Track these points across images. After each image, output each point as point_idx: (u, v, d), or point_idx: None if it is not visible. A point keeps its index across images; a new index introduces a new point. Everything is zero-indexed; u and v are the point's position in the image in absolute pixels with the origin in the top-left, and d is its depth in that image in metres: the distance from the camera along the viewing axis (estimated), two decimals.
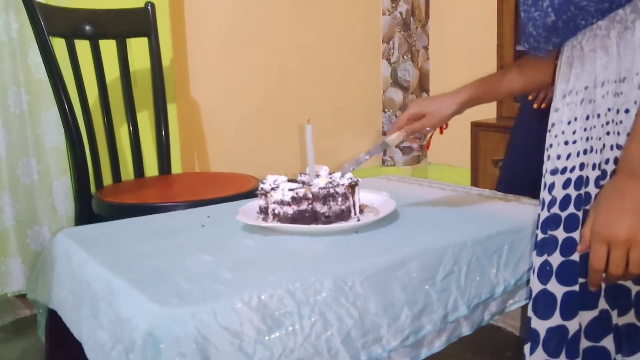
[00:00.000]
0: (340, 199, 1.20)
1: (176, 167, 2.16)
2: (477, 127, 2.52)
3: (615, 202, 0.76)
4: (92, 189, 1.78)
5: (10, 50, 1.95)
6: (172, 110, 2.13)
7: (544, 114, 1.04)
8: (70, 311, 1.05)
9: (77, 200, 1.69)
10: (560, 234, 0.91)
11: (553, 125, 0.95)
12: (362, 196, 1.27)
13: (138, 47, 1.97)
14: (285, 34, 2.64)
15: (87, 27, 1.80)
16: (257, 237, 1.14)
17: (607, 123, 0.85)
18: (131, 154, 1.94)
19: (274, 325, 0.86)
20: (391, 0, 2.98)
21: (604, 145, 0.85)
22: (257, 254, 1.06)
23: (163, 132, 1.97)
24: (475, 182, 2.52)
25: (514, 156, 1.89)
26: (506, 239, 1.14)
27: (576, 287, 0.88)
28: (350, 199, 1.22)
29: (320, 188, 1.19)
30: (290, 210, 1.18)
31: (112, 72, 1.91)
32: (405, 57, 3.01)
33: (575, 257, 0.88)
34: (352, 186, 1.22)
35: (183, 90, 2.34)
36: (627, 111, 0.82)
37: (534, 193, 1.05)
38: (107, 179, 1.89)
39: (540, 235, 0.95)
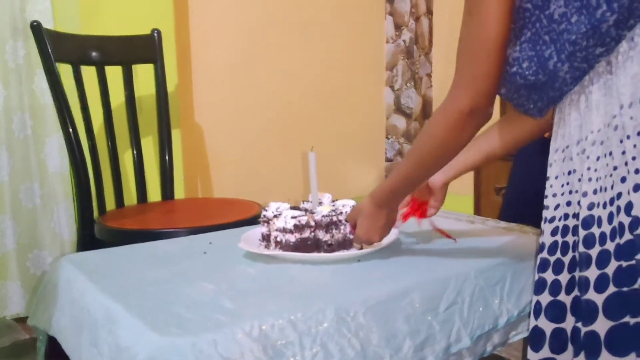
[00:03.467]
0: (342, 227, 1.20)
1: (179, 193, 2.17)
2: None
3: (372, 222, 1.13)
4: (95, 213, 1.79)
5: (17, 76, 1.97)
6: (176, 136, 2.14)
7: (546, 143, 1.06)
8: (70, 338, 1.04)
9: (80, 224, 1.69)
10: (548, 275, 0.97)
11: (548, 178, 1.00)
12: None
13: (144, 73, 1.99)
14: (290, 61, 2.66)
15: (94, 54, 1.82)
16: (259, 265, 1.13)
17: (580, 178, 0.92)
18: (134, 179, 1.95)
19: (275, 355, 0.85)
20: (395, 28, 3.01)
21: (582, 195, 0.92)
22: (258, 283, 1.05)
23: (167, 158, 1.98)
24: (478, 210, 2.52)
25: (516, 185, 1.88)
26: (509, 269, 1.13)
27: (564, 325, 0.94)
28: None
29: (323, 216, 1.19)
30: (292, 238, 1.17)
31: (117, 97, 1.93)
32: (408, 84, 3.03)
33: (562, 297, 0.95)
34: None
35: (187, 115, 2.36)
36: (588, 169, 0.91)
37: (537, 222, 1.07)
38: (110, 203, 1.89)
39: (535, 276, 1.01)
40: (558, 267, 0.96)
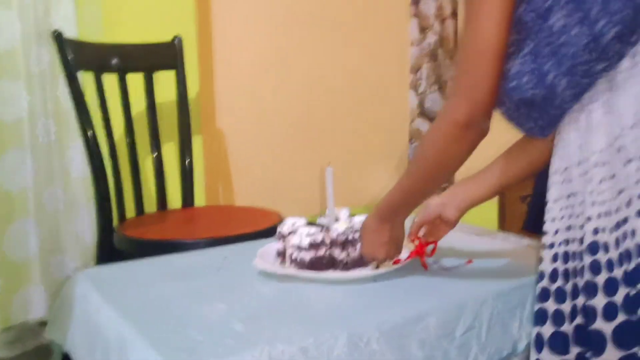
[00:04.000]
0: (358, 245, 1.18)
1: (200, 199, 2.17)
2: None
3: (375, 237, 1.12)
4: (115, 221, 1.79)
5: (41, 82, 1.98)
6: (197, 142, 2.14)
7: None
8: (83, 356, 1.04)
9: (99, 233, 1.70)
10: (550, 305, 0.93)
11: (546, 202, 0.96)
12: None
13: (165, 79, 1.99)
14: (313, 64, 2.65)
15: (115, 61, 1.82)
16: (273, 284, 1.12)
17: (582, 202, 0.88)
18: (155, 185, 1.95)
19: None
20: (420, 30, 2.97)
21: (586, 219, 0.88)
22: (271, 304, 1.04)
23: (187, 164, 1.98)
24: (502, 218, 2.48)
25: (541, 193, 1.85)
26: (529, 291, 1.10)
27: (568, 356, 0.90)
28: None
29: (339, 234, 1.18)
30: (307, 256, 1.16)
31: (139, 104, 1.93)
32: (433, 87, 2.99)
33: (565, 327, 0.91)
34: None
35: (209, 121, 2.35)
36: (591, 192, 0.87)
37: None
38: (131, 210, 1.90)
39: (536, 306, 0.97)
40: (560, 296, 0.92)
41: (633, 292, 0.81)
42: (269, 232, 1.57)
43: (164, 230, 1.69)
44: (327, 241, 1.17)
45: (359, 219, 1.23)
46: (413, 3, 2.97)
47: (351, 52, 2.76)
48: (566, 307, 0.91)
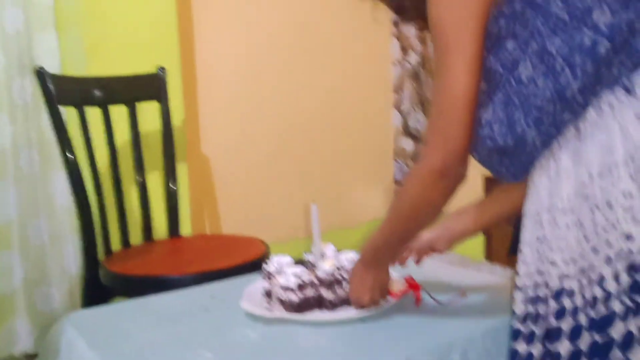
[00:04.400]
0: (345, 284, 1.18)
1: (186, 227, 2.16)
2: (491, 182, 2.50)
3: (360, 282, 1.14)
4: (100, 252, 1.78)
5: (24, 112, 1.97)
6: (182, 170, 2.13)
7: None
8: None
9: (84, 268, 1.69)
10: (521, 346, 0.92)
11: (520, 242, 0.96)
12: None
13: (149, 109, 1.99)
14: (296, 87, 2.66)
15: (97, 94, 1.82)
16: (261, 327, 1.12)
17: (551, 246, 0.89)
18: (140, 215, 1.94)
19: None
20: (401, 50, 2.99)
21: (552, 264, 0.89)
22: (258, 350, 1.04)
23: (172, 192, 1.98)
24: (488, 241, 2.49)
25: None
26: None
27: None
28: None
29: (326, 273, 1.18)
30: (295, 297, 1.16)
31: (123, 134, 1.93)
32: (416, 107, 3.01)
33: None
34: None
35: (194, 149, 2.35)
36: (558, 237, 0.88)
37: None
38: (116, 241, 1.89)
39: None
40: (530, 339, 0.92)
41: (599, 339, 0.82)
42: (255, 264, 1.57)
43: (150, 265, 1.68)
44: (315, 281, 1.17)
45: (346, 256, 1.24)
46: (394, 24, 2.99)
47: (333, 73, 2.77)
48: (536, 350, 0.91)
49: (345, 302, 1.18)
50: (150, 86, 1.93)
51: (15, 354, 2.03)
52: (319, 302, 1.18)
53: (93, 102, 1.82)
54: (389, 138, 3.07)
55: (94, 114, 1.86)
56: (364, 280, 1.13)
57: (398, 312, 1.17)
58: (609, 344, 0.81)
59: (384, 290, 1.16)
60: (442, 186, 0.95)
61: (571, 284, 0.86)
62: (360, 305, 1.16)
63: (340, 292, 1.18)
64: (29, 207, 2.01)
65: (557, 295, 0.87)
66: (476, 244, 2.47)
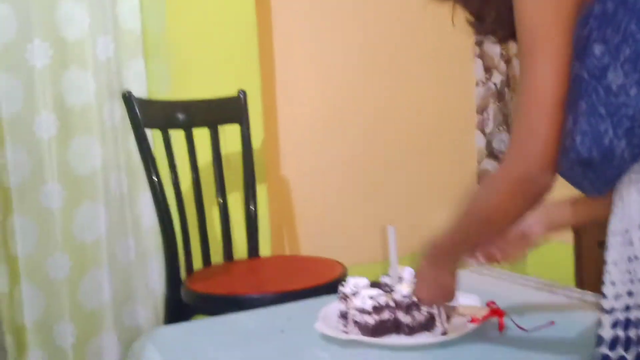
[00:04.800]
0: (424, 308, 1.15)
1: (266, 247, 2.18)
2: None
3: (422, 279, 1.10)
4: (183, 271, 1.83)
5: (114, 136, 2.06)
6: (262, 191, 2.16)
7: None
8: None
9: (167, 286, 1.74)
10: None
11: (605, 263, 0.89)
12: None
13: (230, 131, 2.04)
14: (376, 108, 2.64)
15: (182, 117, 1.88)
16: (335, 349, 1.10)
17: None
18: (221, 235, 1.98)
19: None
20: (485, 70, 2.93)
21: None
22: None
23: (252, 213, 2.01)
24: (579, 264, 2.36)
25: None
26: None
27: None
28: (435, 307, 1.16)
29: (403, 296, 1.15)
30: (371, 320, 1.13)
31: (205, 155, 1.98)
32: (500, 128, 2.92)
33: None
34: None
35: (273, 168, 2.38)
36: None
37: None
38: (198, 260, 1.93)
39: None
40: None
41: None
42: (332, 286, 1.56)
43: (229, 284, 1.70)
44: (391, 304, 1.14)
45: None
46: (477, 44, 2.93)
47: (415, 95, 2.74)
48: None
49: (423, 327, 1.14)
50: (232, 109, 1.97)
51: None
52: (395, 326, 1.14)
53: (177, 125, 1.88)
54: (472, 160, 2.99)
55: (177, 135, 1.92)
56: (424, 277, 1.09)
57: (479, 338, 1.12)
58: None
59: (447, 293, 1.10)
60: (524, 195, 0.87)
61: None
62: (420, 302, 1.13)
63: (418, 316, 1.14)
64: (117, 227, 2.09)
65: None
66: (566, 268, 2.35)
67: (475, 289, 1.27)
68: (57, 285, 1.99)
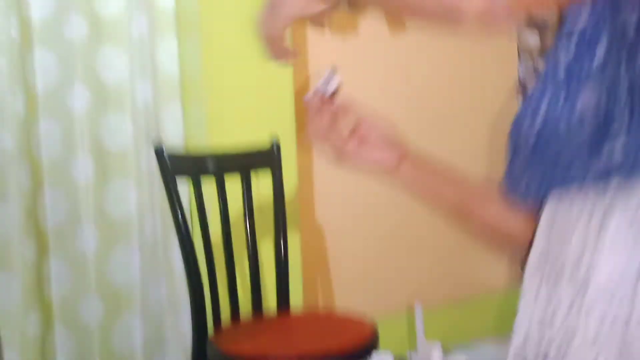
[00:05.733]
0: None
1: (297, 298, 2.14)
2: None
3: None
4: (210, 323, 1.80)
5: (149, 180, 2.07)
6: (295, 239, 2.12)
7: None
8: None
9: (194, 341, 1.71)
10: None
11: None
12: None
13: (263, 176, 2.02)
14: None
15: (213, 167, 1.88)
16: None
17: None
18: (250, 286, 1.95)
19: None
20: None
21: None
22: None
23: (282, 262, 1.97)
24: None
25: None
26: None
27: None
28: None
29: None
30: None
31: (236, 201, 1.95)
32: None
33: None
34: None
35: (308, 216, 2.34)
36: None
37: None
38: (226, 310, 1.90)
39: None
40: None
41: None
42: (362, 350, 1.52)
43: (257, 345, 1.67)
44: None
45: (453, 358, 1.13)
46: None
47: (460, 142, 2.65)
48: None
49: None
50: (265, 155, 1.96)
51: None
52: None
53: (208, 172, 1.88)
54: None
55: (208, 181, 1.91)
56: None
57: None
58: None
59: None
60: None
61: None
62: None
63: None
64: (150, 271, 2.08)
65: None
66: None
67: None
68: (89, 329, 2.00)
